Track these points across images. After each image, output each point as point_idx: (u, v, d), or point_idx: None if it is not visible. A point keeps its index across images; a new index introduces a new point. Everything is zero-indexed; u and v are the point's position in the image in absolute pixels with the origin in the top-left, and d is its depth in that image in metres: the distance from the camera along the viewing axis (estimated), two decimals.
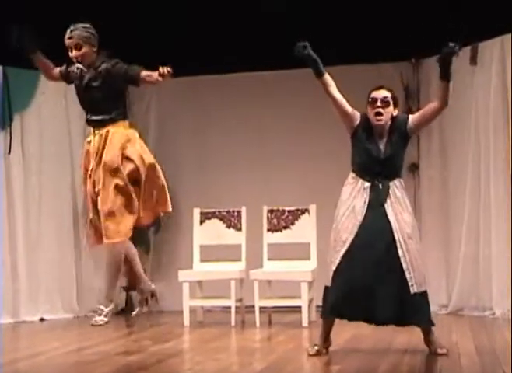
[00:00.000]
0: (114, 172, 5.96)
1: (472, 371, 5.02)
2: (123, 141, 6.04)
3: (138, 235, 6.88)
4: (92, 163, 6.05)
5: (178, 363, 5.90)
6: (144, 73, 5.92)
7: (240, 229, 8.31)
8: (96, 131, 6.10)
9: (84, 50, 6.09)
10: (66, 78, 6.27)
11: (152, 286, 6.37)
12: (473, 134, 8.42)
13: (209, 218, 8.41)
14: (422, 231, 8.68)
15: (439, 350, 5.67)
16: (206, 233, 8.37)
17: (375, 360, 5.48)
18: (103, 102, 6.07)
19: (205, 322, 8.13)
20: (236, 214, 8.35)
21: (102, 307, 5.99)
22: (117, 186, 5.95)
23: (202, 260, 8.32)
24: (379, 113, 5.66)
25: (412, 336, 5.97)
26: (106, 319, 5.96)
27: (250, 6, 8.38)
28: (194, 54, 8.94)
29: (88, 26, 6.16)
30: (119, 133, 6.06)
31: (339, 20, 8.46)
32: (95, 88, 6.09)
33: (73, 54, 6.10)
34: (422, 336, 5.77)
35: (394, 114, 5.72)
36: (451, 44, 5.44)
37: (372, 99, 5.70)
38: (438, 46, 5.53)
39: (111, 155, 5.98)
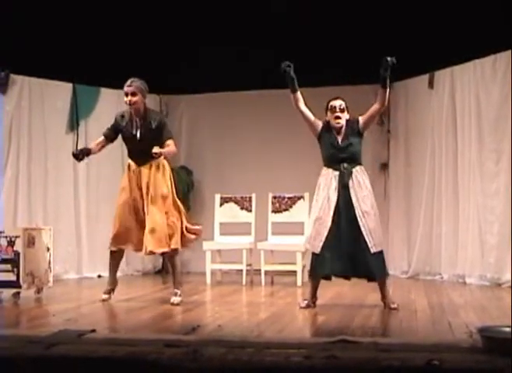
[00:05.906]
0: None
1: (425, 321, 5.03)
2: None
3: None
4: None
5: (202, 311, 5.93)
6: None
7: (250, 211, 8.29)
8: None
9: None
10: None
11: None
12: (430, 141, 8.40)
13: (227, 202, 8.40)
14: (389, 214, 8.77)
15: (391, 305, 5.67)
16: (224, 213, 8.37)
17: (352, 312, 5.49)
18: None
19: (222, 281, 8.15)
20: (247, 198, 8.35)
21: (176, 291, 6.10)
22: None
23: (221, 234, 8.32)
24: (338, 117, 5.75)
25: (380, 295, 5.96)
26: (180, 299, 6.07)
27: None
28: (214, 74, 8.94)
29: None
30: None
31: (330, 51, 8.42)
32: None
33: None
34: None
35: (347, 118, 5.78)
36: (388, 58, 5.45)
37: (331, 106, 5.78)
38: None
39: None
